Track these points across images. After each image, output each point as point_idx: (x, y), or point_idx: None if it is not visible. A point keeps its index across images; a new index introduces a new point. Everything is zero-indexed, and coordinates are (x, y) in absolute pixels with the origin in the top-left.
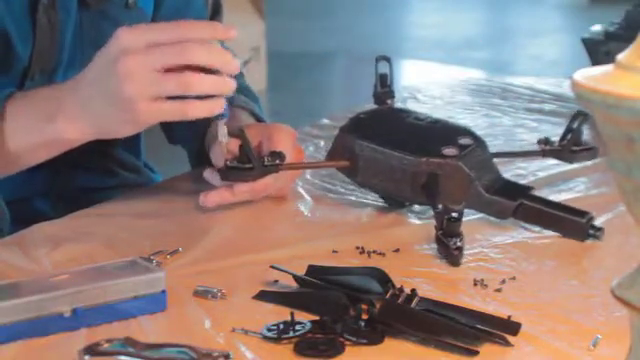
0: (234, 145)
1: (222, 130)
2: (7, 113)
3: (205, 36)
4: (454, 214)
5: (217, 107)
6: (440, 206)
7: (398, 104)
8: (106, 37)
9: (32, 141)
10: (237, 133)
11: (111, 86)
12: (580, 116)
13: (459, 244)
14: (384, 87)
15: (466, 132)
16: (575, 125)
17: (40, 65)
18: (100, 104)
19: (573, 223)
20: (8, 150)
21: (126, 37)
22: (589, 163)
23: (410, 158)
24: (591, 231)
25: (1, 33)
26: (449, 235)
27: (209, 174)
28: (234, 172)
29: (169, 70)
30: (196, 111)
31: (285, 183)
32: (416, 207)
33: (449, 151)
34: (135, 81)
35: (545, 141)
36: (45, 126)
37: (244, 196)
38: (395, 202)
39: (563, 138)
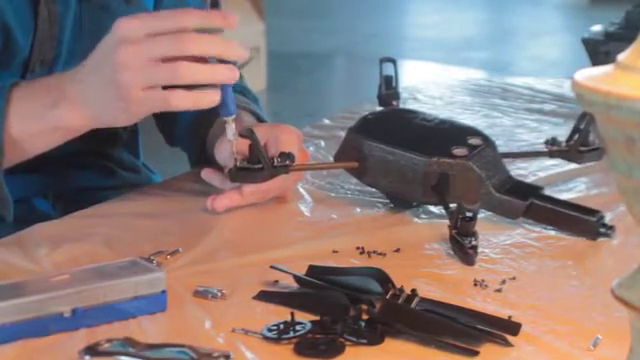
0: (241, 145)
1: (231, 129)
2: (12, 99)
3: (203, 24)
4: (468, 213)
5: (205, 99)
6: (453, 205)
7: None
8: (106, 31)
9: (34, 128)
10: (247, 134)
11: (108, 74)
12: (587, 116)
13: (474, 243)
14: (389, 89)
15: (475, 132)
16: (582, 125)
17: (40, 57)
18: (98, 92)
19: (584, 222)
20: (10, 136)
21: (125, 26)
22: (589, 163)
23: (421, 158)
24: (602, 229)
25: (2, 25)
26: (464, 234)
27: (208, 174)
28: (244, 173)
29: (167, 60)
30: (180, 101)
31: (288, 185)
32: (416, 207)
33: (459, 151)
34: (130, 70)
35: (552, 141)
36: (47, 113)
37: (252, 198)
38: (402, 202)
39: (570, 138)
